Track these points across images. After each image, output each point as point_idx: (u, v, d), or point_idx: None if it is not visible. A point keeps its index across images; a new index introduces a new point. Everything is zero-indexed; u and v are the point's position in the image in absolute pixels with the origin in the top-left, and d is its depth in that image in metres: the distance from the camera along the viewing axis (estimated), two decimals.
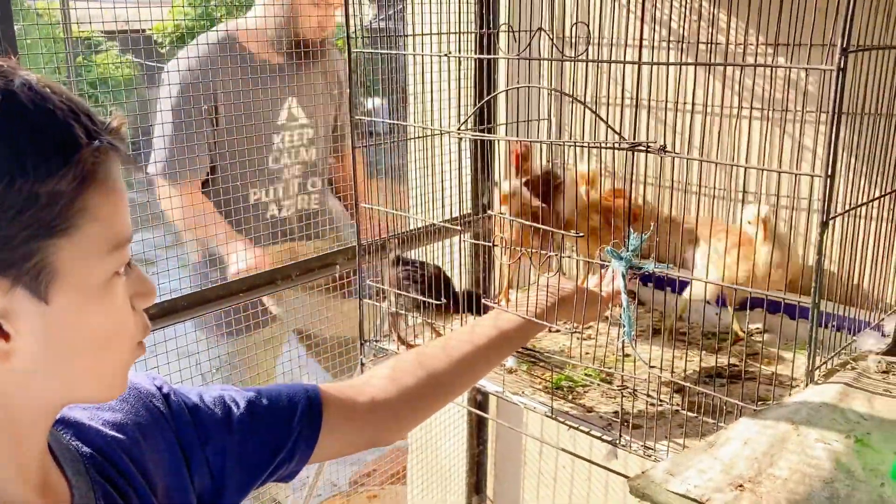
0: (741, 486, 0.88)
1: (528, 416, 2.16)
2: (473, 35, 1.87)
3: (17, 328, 0.67)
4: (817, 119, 1.56)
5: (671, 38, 1.67)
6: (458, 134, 1.42)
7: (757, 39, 1.60)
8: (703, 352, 1.56)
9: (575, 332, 1.44)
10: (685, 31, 1.66)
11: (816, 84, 1.54)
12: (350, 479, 3.40)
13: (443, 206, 1.89)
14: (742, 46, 1.61)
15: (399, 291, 1.57)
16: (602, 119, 1.21)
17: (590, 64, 1.68)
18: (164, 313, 1.51)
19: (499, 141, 1.82)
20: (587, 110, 1.19)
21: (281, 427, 1.05)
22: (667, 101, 1.66)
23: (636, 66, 1.21)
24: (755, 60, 1.54)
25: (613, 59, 1.17)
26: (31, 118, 0.65)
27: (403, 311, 1.60)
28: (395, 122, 1.54)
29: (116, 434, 0.88)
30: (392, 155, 1.67)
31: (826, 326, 1.33)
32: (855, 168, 1.31)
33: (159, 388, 0.97)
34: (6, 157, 0.63)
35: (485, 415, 2.22)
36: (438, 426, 2.38)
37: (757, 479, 0.90)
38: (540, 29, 1.24)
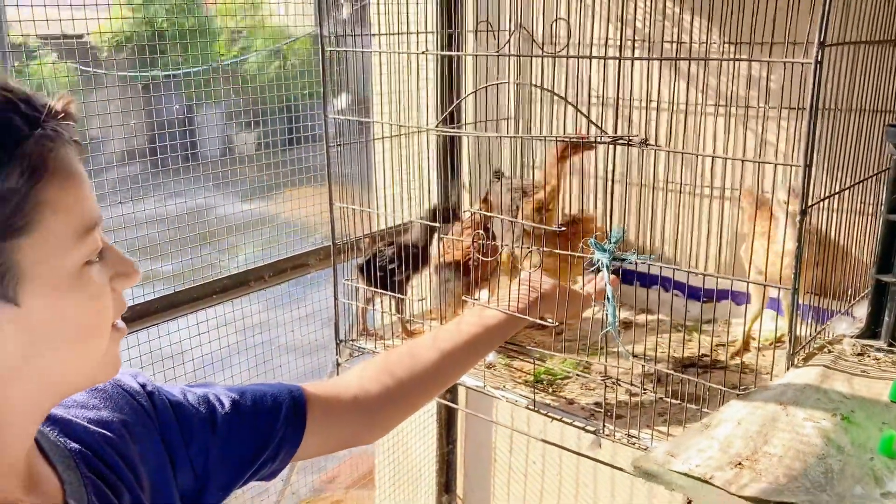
0: (740, 463, 0.91)
1: (499, 412, 2.18)
2: (439, 35, 1.88)
3: None
4: (779, 115, 1.61)
5: (637, 38, 1.71)
6: (436, 131, 1.43)
7: (720, 38, 1.65)
8: (676, 343, 1.60)
9: (558, 326, 1.47)
10: (650, 31, 1.70)
11: (778, 81, 1.59)
12: (313, 485, 3.37)
13: (411, 206, 1.90)
14: (705, 45, 1.66)
15: (377, 290, 1.58)
16: (583, 113, 1.23)
17: (552, 62, 1.71)
18: (139, 315, 1.49)
19: (468, 138, 1.84)
20: (557, 110, 1.21)
21: (265, 426, 1.04)
22: (631, 100, 1.70)
23: (616, 63, 1.24)
24: (720, 59, 1.59)
25: (593, 55, 1.20)
26: None
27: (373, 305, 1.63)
28: (371, 120, 1.54)
29: (103, 430, 0.87)
30: (361, 154, 1.67)
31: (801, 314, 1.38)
32: (823, 162, 1.36)
33: (143, 386, 0.96)
34: None
35: (455, 406, 2.23)
36: (408, 426, 2.38)
37: (754, 457, 0.92)
38: (520, 26, 1.26)
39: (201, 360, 2.24)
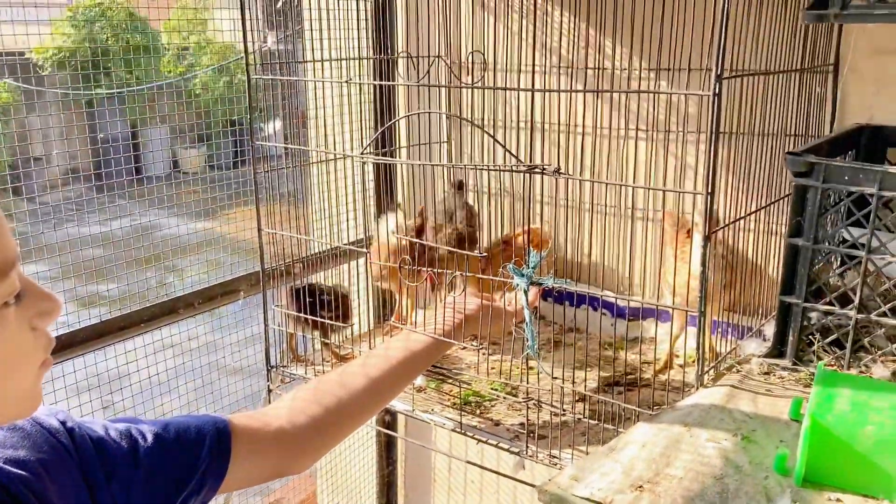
0: (640, 486, 0.94)
1: (437, 432, 2.19)
2: (371, 61, 1.91)
3: None
4: (697, 139, 1.67)
5: (561, 65, 1.75)
6: (361, 158, 1.45)
7: (640, 65, 1.70)
8: (603, 361, 1.64)
9: (481, 348, 1.49)
10: (574, 58, 1.74)
11: (696, 106, 1.64)
12: None
13: (347, 230, 1.91)
14: (627, 71, 1.71)
15: (303, 315, 1.59)
16: (500, 143, 1.26)
17: (485, 90, 1.75)
18: (63, 346, 1.47)
19: (400, 164, 1.86)
20: (484, 134, 1.24)
21: (188, 459, 1.04)
22: (559, 125, 1.73)
23: (529, 93, 1.27)
24: (639, 85, 1.64)
25: (509, 86, 1.23)
26: None
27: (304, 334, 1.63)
28: (297, 146, 1.55)
29: (19, 471, 0.86)
30: (290, 180, 1.68)
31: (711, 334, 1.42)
32: (733, 184, 1.41)
33: (63, 423, 0.95)
34: None
35: (394, 434, 2.24)
36: (347, 448, 2.38)
37: (655, 480, 0.95)
38: (438, 56, 1.28)
39: (140, 384, 2.21)
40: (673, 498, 0.91)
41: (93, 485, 0.94)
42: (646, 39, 1.43)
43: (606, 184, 1.33)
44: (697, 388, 1.21)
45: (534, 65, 1.79)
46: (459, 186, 1.76)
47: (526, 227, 1.55)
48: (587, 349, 1.73)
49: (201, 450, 1.05)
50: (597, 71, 1.75)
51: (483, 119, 1.75)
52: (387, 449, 2.36)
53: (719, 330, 1.44)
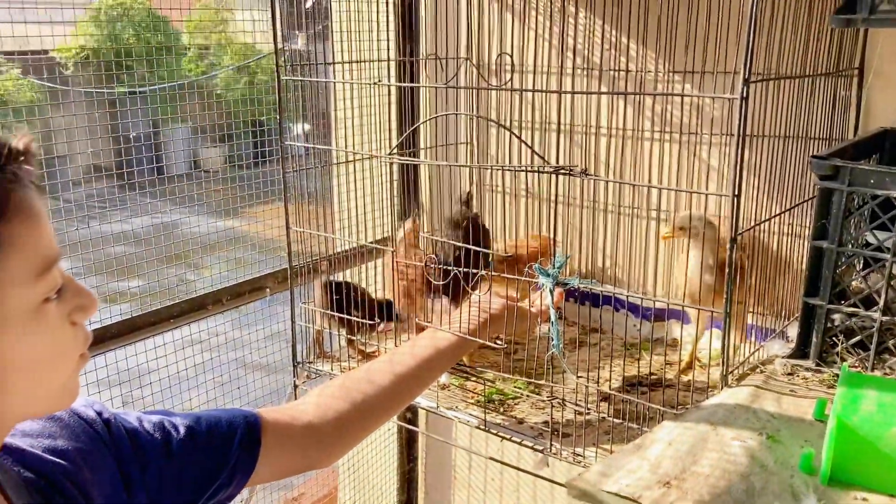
0: (668, 483, 0.96)
1: (458, 429, 2.21)
2: (393, 63, 1.93)
3: None
4: (721, 141, 1.68)
5: (583, 66, 1.77)
6: (389, 159, 1.47)
7: (665, 67, 1.71)
8: (625, 362, 1.65)
9: (506, 347, 1.51)
10: (595, 59, 1.76)
11: (720, 109, 1.66)
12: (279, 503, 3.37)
13: (373, 228, 1.93)
14: (651, 74, 1.72)
15: (332, 312, 1.62)
16: (528, 145, 1.28)
17: (507, 91, 1.77)
18: (96, 341, 1.50)
19: (426, 165, 1.88)
20: (506, 135, 1.26)
21: (220, 452, 1.06)
22: (586, 126, 1.75)
23: (558, 95, 1.29)
24: (664, 88, 1.65)
25: (536, 88, 1.25)
26: None
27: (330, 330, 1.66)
28: (326, 146, 1.58)
29: (58, 460, 0.89)
30: (315, 179, 1.71)
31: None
32: (758, 187, 1.42)
33: (99, 414, 0.98)
34: None
35: (415, 428, 2.26)
36: (369, 445, 2.40)
37: (682, 477, 0.97)
38: (466, 59, 1.30)
39: (167, 379, 2.24)
40: (700, 494, 0.93)
41: (127, 474, 0.97)
42: (669, 42, 1.45)
43: (633, 185, 1.35)
44: (722, 388, 1.22)
45: (562, 67, 1.82)
46: (467, 202, 1.77)
47: (544, 235, 1.57)
48: (612, 349, 1.74)
49: (232, 443, 1.08)
50: (619, 73, 1.76)
51: (506, 121, 1.77)
52: (408, 446, 2.38)
53: (743, 330, 1.45)
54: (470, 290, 1.47)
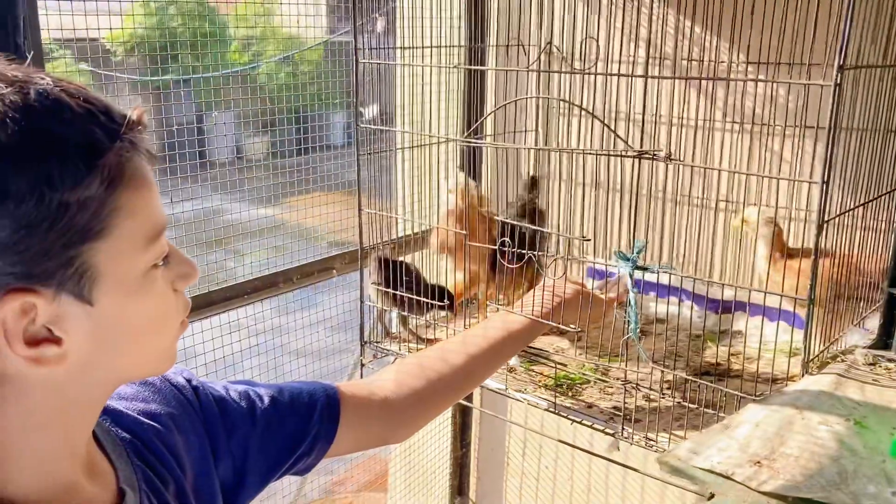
0: (759, 462, 0.96)
1: (513, 416, 2.23)
2: (461, 49, 1.95)
3: (68, 331, 0.69)
4: (793, 133, 1.67)
5: (656, 56, 1.77)
6: (466, 142, 1.49)
7: (737, 57, 1.71)
8: (692, 352, 1.65)
9: (579, 332, 1.52)
10: (660, 46, 1.76)
11: (794, 101, 1.65)
12: (323, 488, 3.42)
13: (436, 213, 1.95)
14: (723, 64, 1.72)
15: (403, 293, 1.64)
16: (611, 129, 1.29)
17: (575, 79, 1.77)
18: None
19: (489, 149, 1.90)
20: (572, 123, 1.27)
21: (302, 422, 1.09)
22: (657, 114, 1.75)
23: (633, 80, 1.30)
24: (745, 79, 1.65)
25: (621, 73, 1.26)
26: (51, 130, 0.65)
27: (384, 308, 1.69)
28: (402, 130, 1.60)
29: (151, 422, 0.91)
30: (388, 162, 1.73)
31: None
32: (833, 179, 1.41)
33: (188, 381, 1.01)
34: (33, 173, 0.64)
35: (471, 404, 2.28)
36: (423, 430, 2.43)
37: (771, 457, 0.98)
38: (549, 43, 1.32)
39: (213, 363, 2.28)
40: (792, 475, 0.94)
41: (214, 441, 1.00)
42: (742, 32, 1.44)
43: (719, 170, 1.35)
44: (803, 376, 1.22)
45: (636, 56, 1.83)
46: (533, 184, 1.78)
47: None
48: (676, 340, 1.75)
49: (313, 414, 1.10)
50: (692, 63, 1.76)
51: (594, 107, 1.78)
52: (461, 431, 2.40)
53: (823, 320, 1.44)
54: (544, 273, 1.49)
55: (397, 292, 1.67)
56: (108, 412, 0.88)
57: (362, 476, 3.30)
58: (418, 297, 1.67)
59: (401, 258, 1.74)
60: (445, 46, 1.86)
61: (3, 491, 0.71)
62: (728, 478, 0.92)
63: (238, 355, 2.32)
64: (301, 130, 3.24)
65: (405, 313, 1.71)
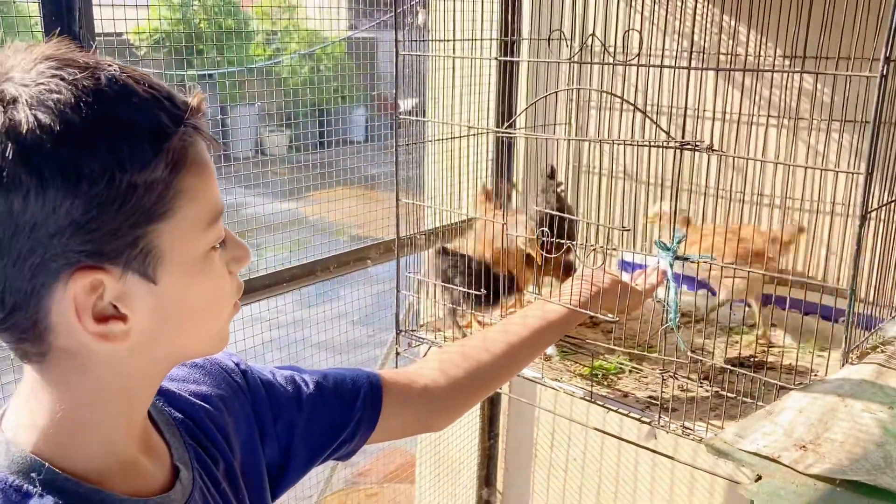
0: (804, 446, 0.98)
1: (542, 404, 2.25)
2: (492, 42, 1.97)
3: (133, 309, 0.72)
4: (830, 127, 1.68)
5: (693, 50, 1.78)
6: (504, 133, 1.51)
7: (774, 52, 1.72)
8: (724, 343, 1.66)
9: (616, 321, 1.54)
10: (706, 43, 1.77)
11: (831, 94, 1.65)
12: (347, 479, 3.45)
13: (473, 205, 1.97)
14: (760, 58, 1.73)
15: (447, 285, 1.66)
16: (653, 120, 1.31)
17: (611, 71, 1.79)
18: None
19: (522, 141, 1.92)
20: (605, 116, 1.29)
21: (345, 408, 1.11)
22: (700, 109, 1.76)
23: (676, 72, 1.31)
24: (790, 70, 1.66)
25: (664, 65, 1.27)
26: (121, 114, 0.68)
27: (453, 305, 1.69)
28: (441, 121, 1.62)
29: (202, 403, 0.94)
30: (424, 154, 1.75)
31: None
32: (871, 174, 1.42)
33: (237, 365, 1.04)
34: (105, 156, 0.66)
35: (499, 390, 2.30)
36: None
37: (816, 442, 0.99)
38: (592, 35, 1.33)
39: (243, 354, 2.30)
40: (837, 459, 0.95)
41: (262, 424, 1.02)
42: (781, 25, 1.45)
43: (763, 161, 1.36)
44: (843, 365, 1.23)
45: (691, 49, 1.84)
46: (551, 174, 1.79)
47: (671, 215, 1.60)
48: (705, 333, 1.75)
49: (356, 400, 1.12)
50: (728, 57, 1.77)
51: (610, 100, 1.79)
52: (490, 422, 2.42)
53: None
54: (582, 263, 1.51)
55: (458, 288, 1.67)
56: (161, 393, 0.91)
57: (386, 467, 3.33)
58: (485, 292, 1.66)
59: (461, 252, 1.75)
60: (478, 39, 1.88)
61: (67, 463, 0.73)
62: (775, 460, 0.94)
63: (259, 348, 2.35)
64: (322, 124, 3.27)
65: (466, 309, 1.71)
